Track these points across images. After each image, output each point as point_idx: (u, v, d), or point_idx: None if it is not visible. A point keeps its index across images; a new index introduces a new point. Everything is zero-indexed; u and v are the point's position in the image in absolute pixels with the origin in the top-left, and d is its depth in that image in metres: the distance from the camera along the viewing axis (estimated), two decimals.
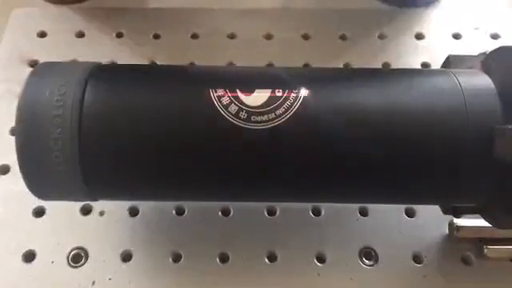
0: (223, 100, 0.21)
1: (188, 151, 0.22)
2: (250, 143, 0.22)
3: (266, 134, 0.21)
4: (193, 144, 0.22)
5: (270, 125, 0.21)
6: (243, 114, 0.21)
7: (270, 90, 0.22)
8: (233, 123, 0.21)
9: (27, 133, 0.21)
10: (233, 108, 0.21)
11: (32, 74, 0.22)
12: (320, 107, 0.22)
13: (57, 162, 0.21)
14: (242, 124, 0.21)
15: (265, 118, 0.21)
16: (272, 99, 0.22)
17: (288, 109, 0.21)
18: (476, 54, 0.28)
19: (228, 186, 0.24)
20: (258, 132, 0.21)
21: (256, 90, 0.22)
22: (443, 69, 0.28)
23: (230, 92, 0.22)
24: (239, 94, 0.22)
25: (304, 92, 0.22)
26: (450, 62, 0.27)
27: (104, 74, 0.23)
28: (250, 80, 0.23)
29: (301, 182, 0.23)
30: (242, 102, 0.21)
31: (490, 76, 0.23)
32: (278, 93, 0.22)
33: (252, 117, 0.21)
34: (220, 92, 0.22)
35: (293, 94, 0.22)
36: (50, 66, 0.23)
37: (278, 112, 0.21)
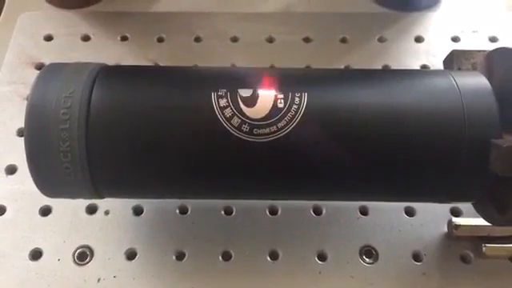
0: (226, 112, 0.22)
1: (190, 160, 0.23)
2: (251, 156, 0.22)
3: (267, 147, 0.22)
4: (195, 154, 0.22)
5: (272, 138, 0.22)
6: (245, 127, 0.22)
7: (272, 102, 0.22)
8: (235, 136, 0.22)
9: (36, 145, 0.22)
10: (235, 121, 0.22)
11: (39, 78, 0.23)
12: (320, 118, 0.22)
13: (67, 172, 0.22)
14: (244, 137, 0.22)
15: (266, 130, 0.22)
16: (274, 112, 0.22)
17: (289, 121, 0.22)
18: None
19: (228, 190, 0.25)
20: (260, 145, 0.22)
21: (258, 102, 0.22)
22: (441, 69, 0.29)
23: (233, 103, 0.22)
24: (242, 105, 0.22)
25: (305, 102, 0.22)
26: (454, 57, 0.27)
27: (108, 79, 0.23)
28: (253, 87, 0.23)
29: (301, 186, 0.24)
30: (244, 115, 0.22)
31: (492, 73, 0.24)
32: (280, 104, 0.22)
33: (254, 130, 0.22)
34: (223, 103, 0.22)
35: (294, 106, 0.22)
36: (56, 68, 0.24)
37: (280, 125, 0.22)
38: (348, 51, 0.36)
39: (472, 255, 0.28)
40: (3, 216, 0.29)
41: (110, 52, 0.35)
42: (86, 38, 0.36)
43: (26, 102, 0.22)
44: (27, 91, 0.33)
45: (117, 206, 0.29)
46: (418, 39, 0.36)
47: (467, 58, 0.27)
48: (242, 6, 0.38)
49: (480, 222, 0.26)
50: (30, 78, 0.33)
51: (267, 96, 0.22)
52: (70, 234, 0.28)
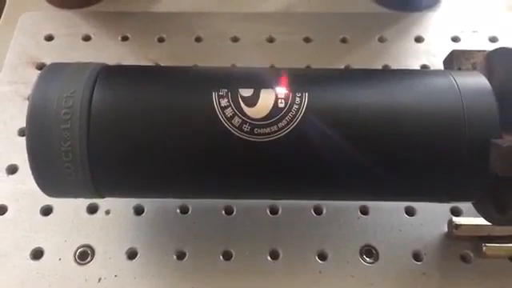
0: (227, 112, 0.22)
1: (191, 160, 0.23)
2: (252, 155, 0.22)
3: (268, 146, 0.22)
4: (196, 153, 0.22)
5: (273, 137, 0.22)
6: (246, 127, 0.22)
7: (272, 102, 0.22)
8: (236, 136, 0.22)
9: (37, 145, 0.22)
10: (236, 120, 0.22)
11: (40, 78, 0.23)
12: (321, 118, 0.22)
13: (68, 172, 0.22)
14: (245, 137, 0.22)
15: (267, 130, 0.22)
16: (274, 111, 0.22)
17: (290, 121, 0.22)
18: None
19: (229, 189, 0.25)
20: (261, 145, 0.22)
21: (259, 102, 0.22)
22: (441, 69, 0.29)
23: (234, 103, 0.22)
24: (243, 105, 0.22)
25: (305, 102, 0.22)
26: (454, 57, 0.27)
27: (109, 79, 0.23)
28: (253, 87, 0.23)
29: (301, 186, 0.24)
30: (245, 115, 0.22)
31: (492, 73, 0.24)
32: (281, 104, 0.22)
33: (255, 129, 0.22)
34: (224, 103, 0.22)
35: (295, 106, 0.22)
36: (57, 68, 0.24)
37: (281, 124, 0.22)
38: (348, 51, 0.36)
39: (472, 255, 0.28)
40: (4, 216, 0.29)
41: (110, 52, 0.36)
42: (86, 38, 0.36)
43: (26, 102, 0.22)
44: (28, 91, 0.33)
45: (118, 206, 0.29)
46: (418, 39, 0.36)
47: (467, 58, 0.27)
48: (243, 6, 0.38)
49: (480, 221, 0.26)
50: (30, 78, 0.34)
51: (268, 96, 0.22)
52: (71, 233, 0.28)
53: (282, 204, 0.29)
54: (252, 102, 0.22)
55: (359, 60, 0.35)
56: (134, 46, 0.36)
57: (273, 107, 0.22)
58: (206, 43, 0.36)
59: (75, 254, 0.28)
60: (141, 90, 0.23)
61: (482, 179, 0.22)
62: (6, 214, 0.29)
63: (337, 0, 0.39)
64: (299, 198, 0.27)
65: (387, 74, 0.26)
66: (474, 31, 0.37)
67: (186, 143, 0.22)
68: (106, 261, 0.28)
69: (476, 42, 0.36)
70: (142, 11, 0.38)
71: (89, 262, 0.27)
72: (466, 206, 0.29)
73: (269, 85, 0.23)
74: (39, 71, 0.24)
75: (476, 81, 0.24)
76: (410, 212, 0.29)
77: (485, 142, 0.22)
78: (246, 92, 0.22)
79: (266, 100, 0.22)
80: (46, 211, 0.29)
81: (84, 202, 0.29)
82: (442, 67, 0.30)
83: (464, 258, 0.28)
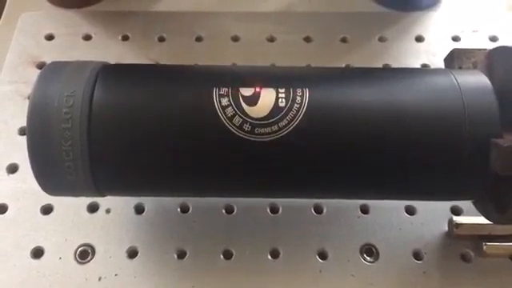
0: (228, 111, 0.22)
1: (192, 159, 0.23)
2: (253, 155, 0.22)
3: (268, 146, 0.22)
4: (197, 153, 0.22)
5: (273, 137, 0.22)
6: (247, 126, 0.22)
7: (273, 101, 0.22)
8: (237, 135, 0.22)
9: (38, 144, 0.22)
10: (237, 120, 0.22)
11: (40, 77, 0.23)
12: (321, 117, 0.22)
13: (68, 171, 0.22)
14: (245, 136, 0.22)
15: (268, 130, 0.22)
16: (275, 111, 0.22)
17: (291, 121, 0.22)
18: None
19: (230, 188, 0.25)
20: (261, 144, 0.22)
21: (259, 101, 0.22)
22: (442, 68, 0.29)
23: (234, 102, 0.22)
24: (243, 104, 0.22)
25: (306, 101, 0.22)
26: (455, 56, 0.27)
27: (110, 78, 0.23)
28: (254, 86, 0.23)
29: (302, 185, 0.24)
30: (245, 114, 0.22)
31: (492, 72, 0.24)
32: (281, 103, 0.22)
33: (256, 129, 0.22)
34: (224, 102, 0.22)
35: (296, 105, 0.22)
36: (58, 67, 0.24)
37: (281, 124, 0.22)
38: (348, 51, 0.36)
39: (472, 254, 0.28)
40: (5, 215, 0.29)
41: (111, 51, 0.36)
42: (87, 38, 0.36)
43: (27, 102, 0.22)
44: (28, 90, 0.32)
45: (118, 205, 0.29)
46: (419, 39, 0.36)
47: (468, 57, 0.27)
48: (243, 5, 0.38)
49: (480, 220, 0.26)
50: (31, 78, 0.33)
51: (268, 95, 0.22)
52: (71, 232, 0.28)
53: (282, 203, 0.29)
54: (253, 101, 0.22)
55: (359, 60, 0.35)
56: (134, 46, 0.36)
57: (273, 106, 0.22)
58: (206, 43, 0.36)
59: (75, 253, 0.28)
60: (141, 89, 0.23)
61: (482, 178, 0.23)
62: (7, 213, 0.29)
63: None
64: (300, 197, 0.27)
65: (388, 72, 0.26)
66: (474, 31, 0.37)
67: (186, 142, 0.22)
68: (107, 260, 0.28)
69: (476, 41, 0.36)
70: (142, 11, 0.38)
71: (89, 261, 0.27)
72: (466, 204, 0.29)
73: (269, 84, 0.23)
74: (39, 70, 0.24)
75: (477, 79, 0.24)
76: (410, 211, 0.29)
77: (485, 141, 0.22)
78: (247, 91, 0.22)
79: (267, 99, 0.22)
80: (47, 210, 0.29)
81: (84, 201, 0.29)
82: (442, 66, 0.30)
83: (464, 257, 0.28)
